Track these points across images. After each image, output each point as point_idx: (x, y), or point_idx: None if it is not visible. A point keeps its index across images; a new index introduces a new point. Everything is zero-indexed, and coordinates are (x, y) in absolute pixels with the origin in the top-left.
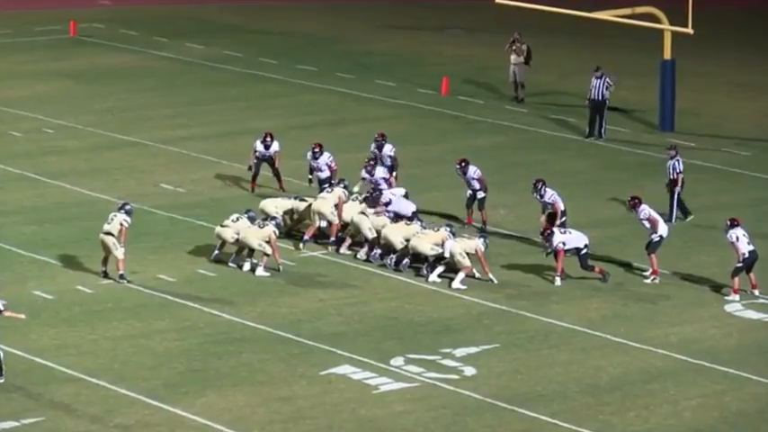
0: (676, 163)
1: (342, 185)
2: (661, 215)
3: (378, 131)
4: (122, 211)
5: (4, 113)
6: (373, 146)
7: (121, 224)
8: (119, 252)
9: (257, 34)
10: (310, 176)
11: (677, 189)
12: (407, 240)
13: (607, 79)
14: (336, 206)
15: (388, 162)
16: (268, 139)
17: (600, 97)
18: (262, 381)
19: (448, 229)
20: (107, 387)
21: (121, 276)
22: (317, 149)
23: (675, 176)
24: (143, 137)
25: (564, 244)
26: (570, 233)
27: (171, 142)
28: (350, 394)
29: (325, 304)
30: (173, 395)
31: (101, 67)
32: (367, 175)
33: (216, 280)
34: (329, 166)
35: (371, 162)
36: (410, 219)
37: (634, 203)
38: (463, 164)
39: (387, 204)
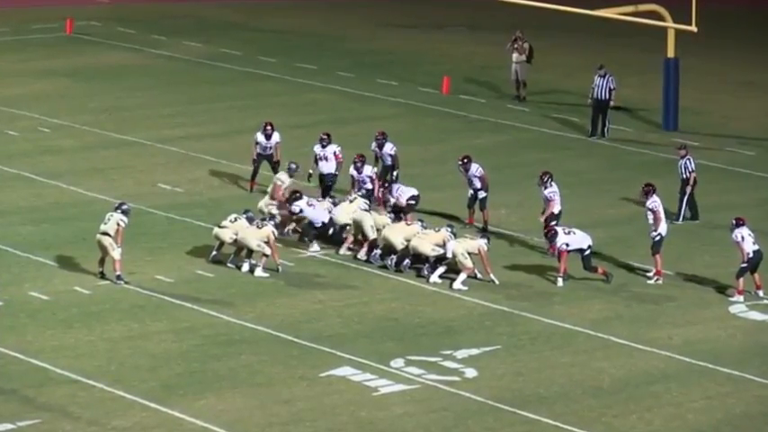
0: (687, 162)
1: (289, 168)
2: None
3: (378, 130)
4: (119, 211)
5: (1, 112)
6: (374, 144)
7: (118, 224)
8: (115, 252)
9: (256, 32)
10: (311, 171)
11: (688, 189)
12: (408, 241)
13: (611, 78)
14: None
15: (389, 161)
16: (269, 128)
17: (603, 96)
18: (261, 383)
19: (449, 229)
20: (104, 389)
21: (118, 277)
22: (324, 137)
23: (688, 176)
24: (141, 136)
25: (567, 245)
26: (574, 233)
27: (169, 141)
28: (350, 396)
29: (324, 305)
30: (171, 397)
31: (98, 66)
32: (355, 173)
33: (214, 281)
34: (336, 156)
35: (361, 158)
36: (324, 227)
37: (647, 191)
38: (465, 160)
39: (295, 212)
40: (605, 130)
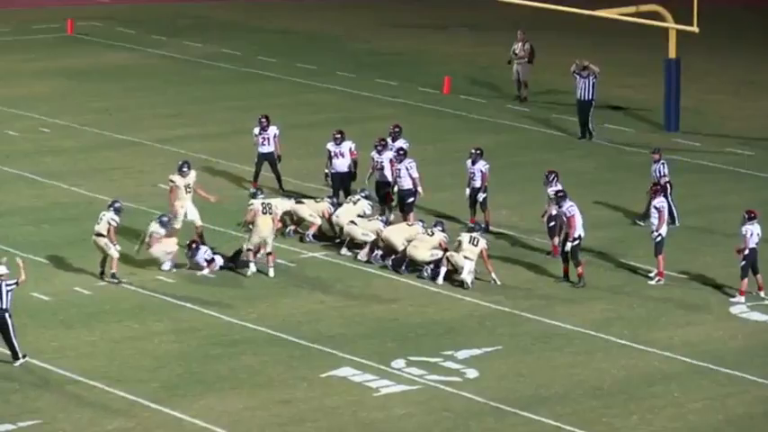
0: (661, 167)
1: (180, 168)
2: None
3: (394, 123)
4: (111, 210)
5: (1, 113)
6: (389, 139)
7: (109, 223)
8: (112, 251)
9: (256, 32)
10: (327, 171)
11: (664, 192)
12: (409, 242)
13: (591, 76)
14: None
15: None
16: (263, 120)
17: (586, 97)
18: (261, 383)
19: (439, 227)
20: (105, 389)
21: (113, 276)
22: (338, 135)
23: (659, 179)
24: (141, 136)
25: (573, 209)
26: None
27: (169, 142)
28: (350, 397)
29: (325, 306)
30: (171, 398)
31: (98, 66)
32: (375, 154)
33: (215, 281)
34: (351, 153)
35: (382, 142)
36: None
37: (656, 190)
38: (479, 151)
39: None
40: (590, 130)
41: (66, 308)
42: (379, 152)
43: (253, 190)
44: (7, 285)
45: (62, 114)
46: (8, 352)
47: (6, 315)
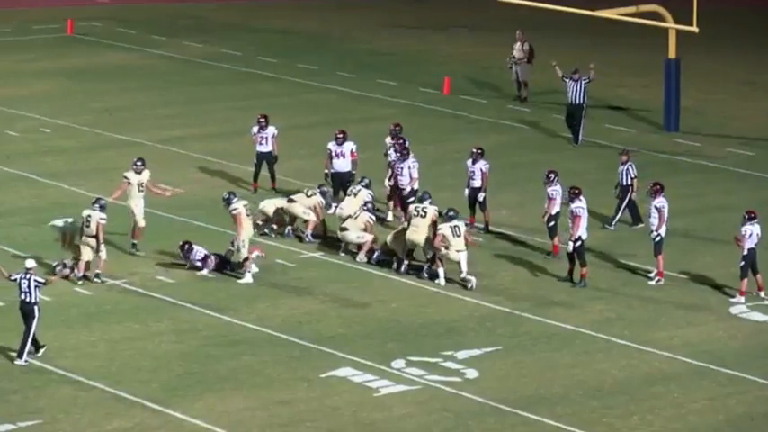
0: (630, 168)
1: (134, 165)
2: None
3: (394, 121)
4: (97, 207)
5: (1, 113)
6: (388, 138)
7: (98, 223)
8: (103, 253)
9: (256, 33)
10: (327, 171)
11: (632, 195)
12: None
13: (583, 79)
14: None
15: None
16: (262, 120)
17: (576, 101)
18: (261, 383)
19: (427, 199)
20: (105, 390)
21: (97, 276)
22: (340, 135)
23: (630, 182)
24: (141, 136)
25: (581, 210)
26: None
27: (169, 142)
28: (350, 397)
29: (325, 306)
30: (171, 398)
31: (98, 66)
32: (391, 151)
33: (215, 281)
34: (352, 154)
35: (399, 141)
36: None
37: (656, 190)
38: (480, 151)
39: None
40: (579, 136)
41: (66, 308)
42: (396, 151)
43: (226, 195)
44: (36, 281)
45: (62, 114)
46: (9, 352)
47: (36, 308)
